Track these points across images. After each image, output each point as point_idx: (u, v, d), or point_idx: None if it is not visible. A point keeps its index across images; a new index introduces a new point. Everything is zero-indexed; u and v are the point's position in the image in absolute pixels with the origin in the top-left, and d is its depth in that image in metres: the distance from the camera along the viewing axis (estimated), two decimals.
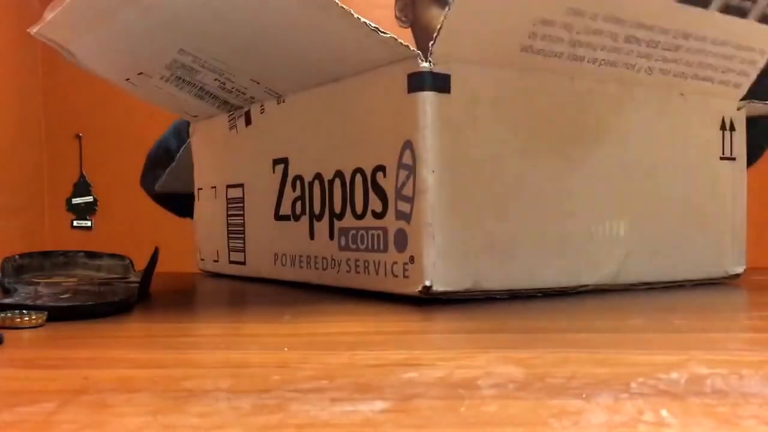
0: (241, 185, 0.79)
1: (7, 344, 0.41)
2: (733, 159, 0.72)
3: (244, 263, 0.79)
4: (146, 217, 2.61)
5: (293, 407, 0.26)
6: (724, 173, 0.71)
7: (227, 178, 0.82)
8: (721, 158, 0.71)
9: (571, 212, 0.62)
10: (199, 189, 0.89)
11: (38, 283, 0.63)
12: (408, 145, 0.56)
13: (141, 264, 0.71)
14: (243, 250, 0.79)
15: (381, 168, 0.59)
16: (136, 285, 0.61)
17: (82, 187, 2.69)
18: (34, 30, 0.65)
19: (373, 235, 0.60)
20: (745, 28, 0.66)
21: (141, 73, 0.71)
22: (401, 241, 0.57)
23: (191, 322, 0.51)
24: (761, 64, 0.70)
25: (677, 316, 0.50)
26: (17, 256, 0.72)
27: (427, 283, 0.55)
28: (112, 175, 2.53)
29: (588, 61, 0.61)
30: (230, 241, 0.81)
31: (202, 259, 0.89)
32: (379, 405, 0.27)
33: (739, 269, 0.73)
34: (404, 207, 0.57)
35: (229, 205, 0.81)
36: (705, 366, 0.32)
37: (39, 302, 0.51)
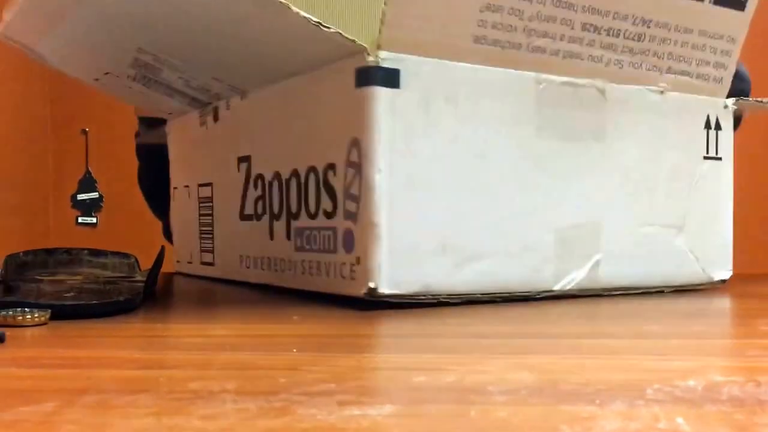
0: (210, 184, 0.79)
1: (9, 343, 0.41)
2: (719, 159, 0.70)
3: (213, 264, 0.79)
4: (153, 216, 2.61)
5: (300, 410, 0.26)
6: (709, 174, 0.70)
7: (198, 176, 0.82)
8: (705, 158, 0.69)
9: (537, 214, 0.61)
10: (174, 188, 0.89)
11: (41, 281, 0.63)
12: (355, 143, 0.56)
13: (146, 263, 0.71)
14: (212, 251, 0.79)
15: (332, 166, 0.59)
16: (142, 284, 0.61)
17: (87, 183, 2.69)
18: None
19: (324, 235, 0.60)
20: (705, 12, 0.65)
21: (108, 73, 0.72)
22: (349, 241, 0.57)
23: (198, 323, 0.51)
24: (736, 54, 0.69)
25: (692, 323, 0.50)
26: (20, 254, 0.72)
27: (372, 285, 0.55)
28: (119, 172, 2.53)
29: (550, 53, 0.60)
30: (201, 242, 0.81)
31: (178, 261, 0.89)
32: (388, 409, 0.27)
33: (725, 275, 0.71)
34: (351, 206, 0.57)
35: (200, 205, 0.81)
36: (722, 373, 0.32)
37: (42, 300, 0.52)
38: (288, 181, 0.65)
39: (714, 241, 0.70)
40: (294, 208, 0.64)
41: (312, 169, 0.61)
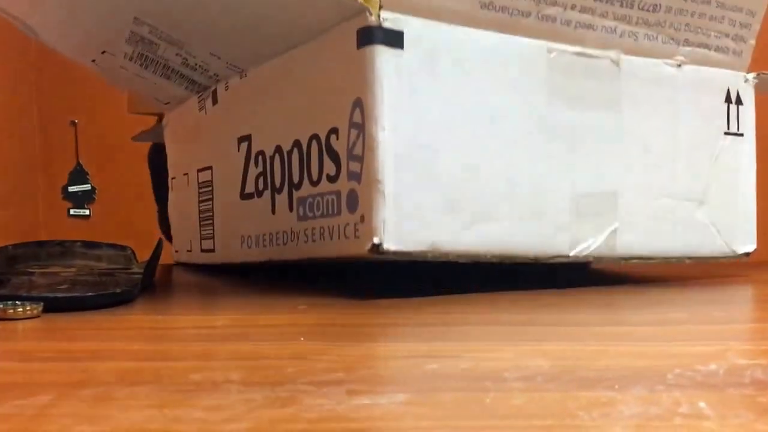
0: (210, 168, 0.79)
1: (0, 336, 0.41)
2: (741, 135, 0.70)
3: (213, 250, 0.80)
4: (147, 208, 2.62)
5: (307, 400, 0.27)
6: (730, 149, 0.70)
7: (197, 162, 0.82)
8: (726, 133, 0.70)
9: (550, 179, 0.61)
10: (172, 179, 0.89)
11: (33, 273, 0.63)
12: (358, 103, 0.56)
13: (143, 255, 0.72)
14: (212, 237, 0.79)
15: (334, 131, 0.59)
16: (139, 275, 0.62)
17: (78, 175, 2.69)
18: None
19: (327, 200, 0.60)
20: None
21: (104, 52, 0.72)
22: (353, 201, 0.57)
23: (199, 314, 0.51)
24: (756, 28, 0.69)
25: (714, 308, 0.50)
26: (10, 246, 0.73)
27: (376, 241, 0.55)
28: (110, 163, 2.54)
29: (561, 23, 0.60)
30: (201, 228, 0.82)
31: (177, 251, 0.89)
32: (400, 397, 0.27)
33: (749, 248, 0.71)
34: (355, 167, 0.57)
35: (200, 190, 0.81)
36: (744, 357, 0.33)
37: (34, 293, 0.52)
38: (290, 153, 0.65)
39: (736, 215, 0.71)
40: (296, 178, 0.64)
41: (314, 137, 0.61)
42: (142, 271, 0.63)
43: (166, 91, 0.80)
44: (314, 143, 0.61)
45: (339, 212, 0.59)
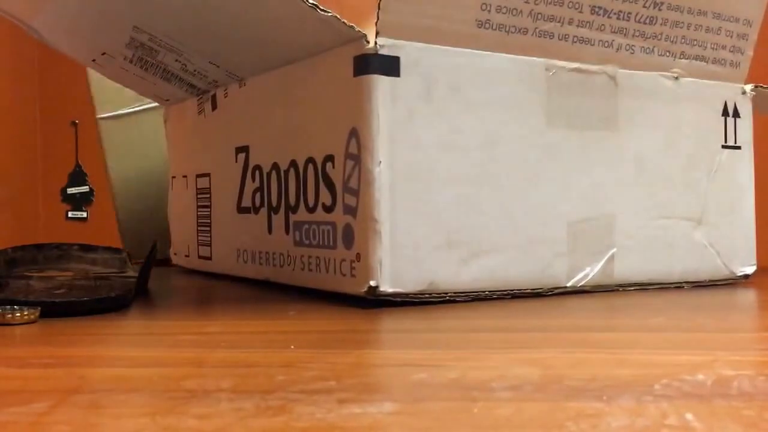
0: (208, 175, 0.79)
1: None
2: (738, 148, 0.69)
3: (210, 258, 0.79)
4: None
5: (298, 409, 0.26)
6: (728, 163, 0.69)
7: (196, 166, 0.82)
8: (724, 147, 0.68)
9: (547, 206, 0.60)
10: (172, 177, 0.89)
11: (31, 278, 0.63)
12: (354, 133, 0.55)
13: (141, 254, 0.71)
14: (209, 245, 0.79)
15: (330, 158, 0.58)
16: (134, 280, 0.61)
17: (77, 176, 2.68)
18: None
19: (323, 230, 0.59)
20: None
21: (105, 53, 0.71)
22: (348, 237, 0.56)
23: (192, 319, 0.51)
24: (753, 38, 0.68)
25: (701, 315, 0.50)
26: (9, 250, 0.72)
27: (373, 284, 0.54)
28: None
29: (559, 38, 0.60)
30: (199, 234, 0.81)
31: (175, 254, 0.89)
32: (388, 406, 0.27)
33: (748, 270, 0.70)
34: (350, 200, 0.56)
35: (198, 196, 0.81)
36: (731, 367, 0.32)
37: (31, 297, 0.52)
38: (286, 172, 0.64)
39: (735, 234, 0.69)
40: (293, 200, 0.63)
41: (311, 161, 0.61)
42: (136, 275, 0.63)
43: (166, 92, 0.80)
44: (310, 167, 0.61)
45: (335, 245, 0.58)
